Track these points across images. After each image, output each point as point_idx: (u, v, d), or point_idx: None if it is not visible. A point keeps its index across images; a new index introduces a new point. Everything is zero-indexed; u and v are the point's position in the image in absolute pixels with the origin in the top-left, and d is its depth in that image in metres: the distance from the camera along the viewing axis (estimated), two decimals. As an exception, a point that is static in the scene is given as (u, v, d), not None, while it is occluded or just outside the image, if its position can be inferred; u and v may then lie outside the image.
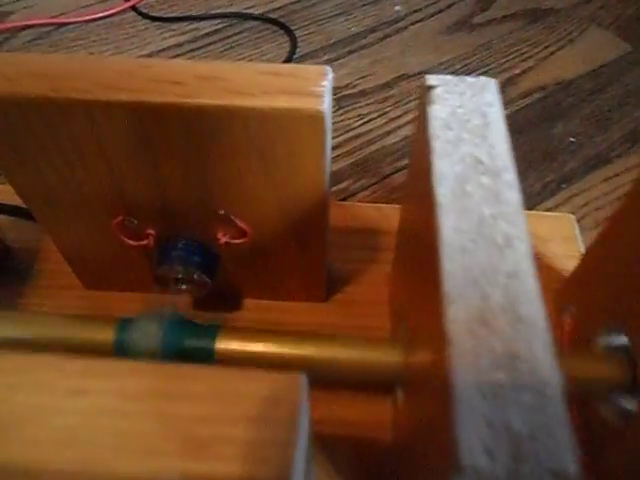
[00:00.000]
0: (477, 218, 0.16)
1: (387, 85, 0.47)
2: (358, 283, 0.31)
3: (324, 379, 0.25)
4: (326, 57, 0.50)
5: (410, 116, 0.44)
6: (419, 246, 0.19)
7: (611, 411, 0.21)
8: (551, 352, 0.13)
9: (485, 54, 0.50)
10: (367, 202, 0.38)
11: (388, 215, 0.34)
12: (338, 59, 0.50)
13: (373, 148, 0.42)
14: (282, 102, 0.19)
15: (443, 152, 0.17)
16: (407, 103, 0.46)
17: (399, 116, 0.44)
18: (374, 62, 0.49)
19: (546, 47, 0.51)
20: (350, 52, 0.51)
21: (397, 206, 0.35)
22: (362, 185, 0.40)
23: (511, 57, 0.50)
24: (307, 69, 0.20)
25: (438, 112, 0.18)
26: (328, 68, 0.20)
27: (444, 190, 0.16)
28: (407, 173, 0.24)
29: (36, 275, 0.32)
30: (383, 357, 0.23)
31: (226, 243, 0.25)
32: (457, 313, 0.14)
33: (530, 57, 0.50)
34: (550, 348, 0.13)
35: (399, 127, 0.44)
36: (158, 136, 0.20)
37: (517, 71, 0.49)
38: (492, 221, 0.16)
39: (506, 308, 0.14)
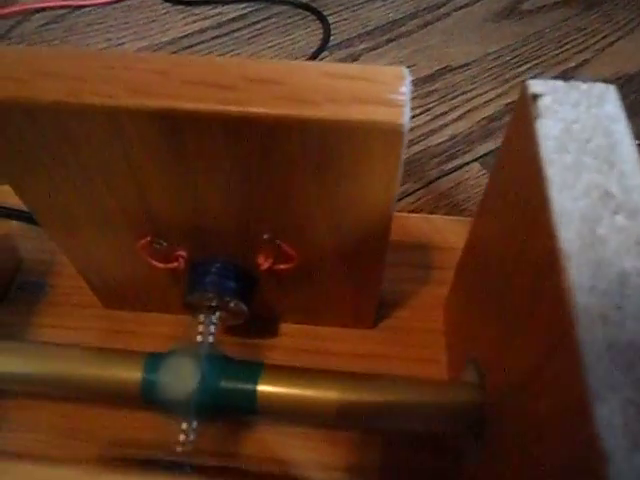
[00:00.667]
0: (617, 275, 0.12)
1: (430, 78, 0.43)
2: (409, 307, 0.28)
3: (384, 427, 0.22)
4: (363, 46, 0.46)
5: (457, 113, 0.40)
6: (521, 287, 0.16)
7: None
8: None
9: (536, 44, 0.46)
10: (411, 210, 0.35)
11: (440, 228, 0.30)
12: (376, 48, 0.46)
13: (416, 149, 0.38)
14: (353, 113, 0.15)
15: (562, 182, 0.14)
16: (453, 98, 0.41)
17: (445, 113, 0.40)
18: (415, 52, 0.45)
19: (604, 37, 0.47)
20: (389, 41, 0.46)
21: (450, 218, 0.31)
22: (405, 190, 0.36)
23: (565, 48, 0.46)
24: (381, 71, 0.16)
25: (549, 129, 0.15)
26: (406, 70, 0.16)
27: (569, 235, 0.13)
28: (489, 186, 0.20)
29: (50, 291, 0.29)
30: (459, 400, 0.19)
31: (268, 268, 0.22)
32: (610, 418, 0.10)
33: (586, 48, 0.46)
34: None
35: (445, 125, 0.40)
36: (196, 149, 0.17)
37: (572, 64, 0.44)
38: (638, 279, 0.12)
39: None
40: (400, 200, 0.36)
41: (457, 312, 0.25)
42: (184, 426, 0.20)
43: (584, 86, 0.16)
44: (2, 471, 0.12)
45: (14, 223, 0.32)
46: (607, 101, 0.15)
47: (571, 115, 0.15)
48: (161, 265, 0.22)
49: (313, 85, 0.16)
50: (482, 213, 0.22)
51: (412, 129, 0.40)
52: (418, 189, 0.36)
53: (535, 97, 0.15)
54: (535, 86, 0.16)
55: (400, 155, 0.16)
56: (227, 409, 0.20)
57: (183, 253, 0.22)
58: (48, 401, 0.25)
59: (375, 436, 0.24)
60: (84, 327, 0.27)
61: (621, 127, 0.15)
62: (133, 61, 0.17)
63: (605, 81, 0.16)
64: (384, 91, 0.16)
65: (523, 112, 0.16)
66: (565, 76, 0.43)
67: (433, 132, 0.39)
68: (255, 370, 0.20)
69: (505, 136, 0.18)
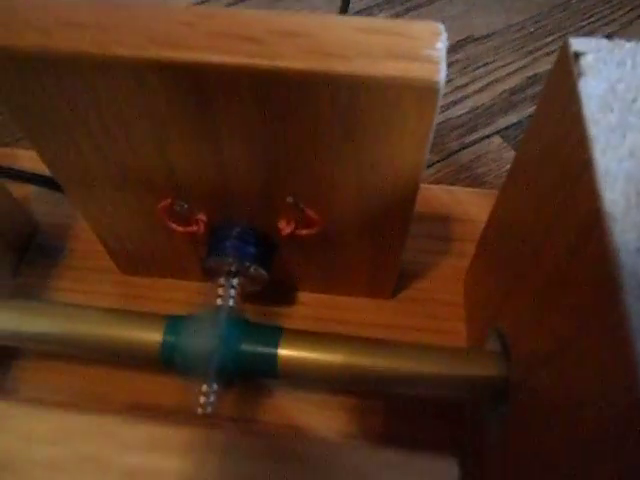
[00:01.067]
0: (665, 237, 0.12)
1: (451, 48, 0.42)
2: (428, 278, 0.27)
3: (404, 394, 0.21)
4: (382, 15, 0.45)
5: (478, 84, 0.39)
6: (554, 255, 0.15)
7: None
8: None
9: (562, 16, 0.45)
10: (431, 182, 0.34)
11: (461, 200, 0.30)
12: (395, 17, 0.44)
13: (437, 120, 0.37)
14: (386, 69, 0.15)
15: (606, 143, 0.13)
16: (475, 69, 0.40)
17: (466, 84, 0.40)
18: (436, 22, 0.44)
19: (631, 9, 0.45)
20: (408, 10, 0.45)
21: (472, 190, 0.31)
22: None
23: (591, 20, 0.44)
24: (416, 26, 0.16)
25: (592, 88, 0.14)
26: (441, 25, 0.16)
27: (613, 196, 0.12)
28: (519, 155, 0.20)
29: (67, 255, 0.28)
30: (484, 367, 0.19)
31: (290, 234, 0.21)
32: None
33: (613, 21, 0.44)
34: None
35: (466, 97, 0.39)
36: (221, 105, 0.16)
37: (598, 36, 0.43)
38: (687, 242, 0.11)
39: None
40: (419, 172, 0.35)
41: (479, 284, 0.24)
42: (204, 388, 0.20)
43: (628, 45, 0.15)
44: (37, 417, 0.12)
45: (33, 187, 0.31)
46: (653, 60, 0.15)
47: (615, 74, 0.14)
48: (180, 229, 0.22)
49: (344, 40, 0.15)
50: (510, 183, 0.21)
51: (432, 100, 0.39)
52: (438, 161, 0.35)
53: (577, 56, 0.15)
54: (578, 44, 0.15)
55: (434, 115, 0.16)
56: (247, 372, 0.20)
57: (203, 217, 0.22)
58: (68, 364, 0.25)
59: (394, 405, 0.24)
60: (100, 291, 0.27)
61: (668, 87, 0.14)
62: (159, 12, 0.16)
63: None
64: (419, 47, 0.15)
65: (564, 71, 0.15)
66: (591, 49, 0.42)
67: (454, 104, 0.38)
68: (275, 334, 0.20)
69: (542, 98, 0.17)
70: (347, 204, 0.20)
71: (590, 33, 0.43)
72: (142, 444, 0.09)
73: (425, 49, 0.15)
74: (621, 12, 0.45)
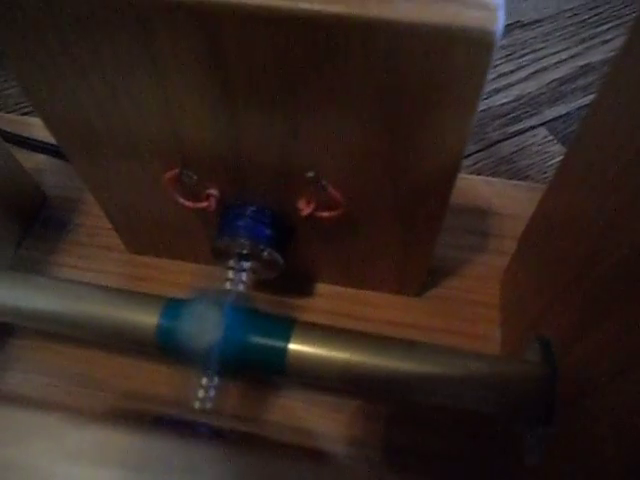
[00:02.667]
0: None
1: (497, 33, 0.39)
2: (461, 276, 0.25)
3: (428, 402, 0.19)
4: (424, -4, 0.42)
5: (524, 72, 0.36)
6: (618, 260, 0.13)
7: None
8: None
9: (619, 3, 0.41)
10: (469, 174, 0.31)
11: (501, 193, 0.27)
12: (438, -1, 0.42)
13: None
14: (432, 14, 0.12)
15: None
16: (521, 57, 0.37)
17: (511, 71, 0.37)
18: None
19: (697, -1, 0.41)
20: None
21: (513, 183, 0.28)
22: (462, 152, 0.33)
23: (652, 9, 0.41)
24: (470, -33, 0.13)
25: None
26: (501, -32, 0.13)
27: None
28: (575, 145, 0.17)
29: (74, 230, 0.27)
30: (526, 379, 0.16)
31: (309, 215, 0.19)
32: None
33: (677, 10, 0.40)
34: None
35: (511, 85, 0.36)
36: (235, 58, 0.14)
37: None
38: None
39: None
40: (455, 162, 0.32)
41: (519, 285, 0.22)
42: (204, 381, 0.18)
43: None
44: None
45: (41, 157, 0.30)
46: None
47: None
48: (190, 204, 0.20)
49: (384, -19, 0.13)
50: (562, 176, 0.18)
51: (473, 87, 0.36)
52: (477, 151, 0.33)
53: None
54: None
55: (485, 76, 0.13)
56: (252, 367, 0.18)
57: (215, 192, 0.19)
58: (64, 345, 0.23)
59: (410, 413, 0.21)
60: (105, 270, 0.25)
61: None
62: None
63: None
64: (473, -10, 0.12)
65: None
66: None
67: (497, 91, 0.36)
68: (287, 326, 0.18)
69: (608, 82, 0.14)
70: (376, 185, 0.17)
71: (650, 22, 0.40)
72: (87, 453, 0.07)
73: (480, -6, 0.12)
74: (685, 1, 0.41)
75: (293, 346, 0.18)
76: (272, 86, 0.15)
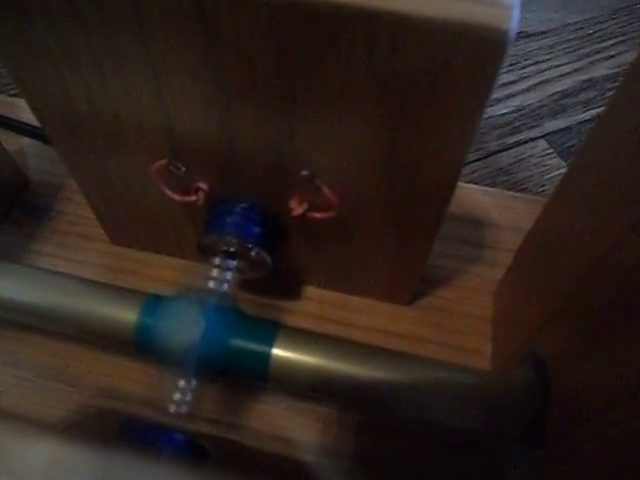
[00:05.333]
0: None
1: (501, 42, 0.39)
2: (453, 287, 0.24)
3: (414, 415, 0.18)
4: None
5: (526, 83, 0.36)
6: (621, 279, 0.12)
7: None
8: None
9: (624, 20, 0.41)
10: (466, 183, 0.31)
11: (499, 203, 0.26)
12: (443, 4, 0.41)
13: (478, 116, 0.34)
14: (443, 8, 0.11)
15: None
16: (523, 67, 0.37)
17: (513, 82, 0.36)
18: None
19: (702, 20, 0.41)
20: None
21: (513, 194, 0.28)
22: (460, 160, 0.32)
23: (657, 27, 0.40)
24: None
25: None
26: (517, -34, 0.12)
27: None
28: (578, 162, 0.16)
29: (55, 217, 0.26)
30: (516, 395, 0.16)
31: (301, 215, 0.18)
32: None
33: (681, 30, 0.40)
34: None
35: (512, 95, 0.35)
36: (233, 44, 0.13)
37: (664, 45, 0.39)
38: None
39: None
40: (452, 170, 0.32)
41: (514, 299, 0.21)
42: (181, 384, 0.17)
43: None
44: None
45: (28, 141, 0.29)
46: None
47: None
48: (177, 197, 0.19)
49: (393, -29, 0.12)
50: (563, 191, 0.18)
51: (474, 95, 0.35)
52: (475, 160, 0.32)
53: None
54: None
55: (495, 77, 0.13)
56: (232, 371, 0.17)
57: (204, 186, 0.19)
58: (37, 336, 0.22)
59: (395, 426, 0.21)
60: (86, 261, 0.24)
61: None
62: None
63: None
64: (488, -14, 0.12)
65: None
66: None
67: (498, 101, 0.35)
68: (271, 330, 0.17)
69: (616, 97, 0.14)
70: (372, 187, 0.17)
71: (655, 41, 0.39)
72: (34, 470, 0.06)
73: (495, -9, 0.12)
74: (690, 22, 0.41)
75: (276, 352, 0.17)
76: (269, 77, 0.14)
